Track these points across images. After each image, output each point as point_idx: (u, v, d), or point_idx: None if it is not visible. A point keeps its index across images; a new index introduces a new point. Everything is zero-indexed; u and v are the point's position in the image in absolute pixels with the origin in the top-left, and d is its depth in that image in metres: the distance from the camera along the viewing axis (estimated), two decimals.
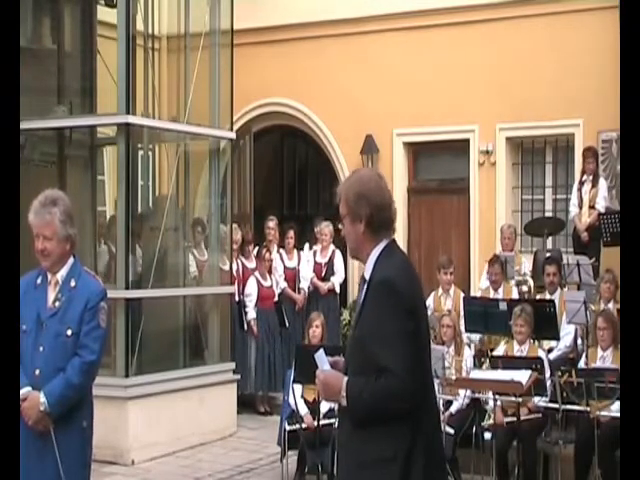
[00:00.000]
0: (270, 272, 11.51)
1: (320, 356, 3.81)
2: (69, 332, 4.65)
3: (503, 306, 8.98)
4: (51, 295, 4.72)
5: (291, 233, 11.95)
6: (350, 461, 3.77)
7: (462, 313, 9.48)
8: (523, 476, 7.52)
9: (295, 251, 11.98)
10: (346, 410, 3.71)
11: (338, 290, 12.08)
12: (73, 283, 4.72)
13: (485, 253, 11.23)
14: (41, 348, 4.63)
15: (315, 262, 12.00)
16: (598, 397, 7.23)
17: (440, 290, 10.24)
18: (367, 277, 3.78)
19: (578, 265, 9.89)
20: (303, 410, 8.18)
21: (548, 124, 11.69)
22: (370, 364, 3.61)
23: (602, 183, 10.98)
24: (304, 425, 8.01)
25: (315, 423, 7.88)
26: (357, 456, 3.71)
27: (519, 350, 8.26)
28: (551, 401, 7.74)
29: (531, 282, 10.61)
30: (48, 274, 4.75)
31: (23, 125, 6.67)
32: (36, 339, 4.64)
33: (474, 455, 7.92)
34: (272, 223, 12.00)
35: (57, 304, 4.69)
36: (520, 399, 7.42)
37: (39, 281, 4.74)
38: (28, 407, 4.56)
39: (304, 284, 11.86)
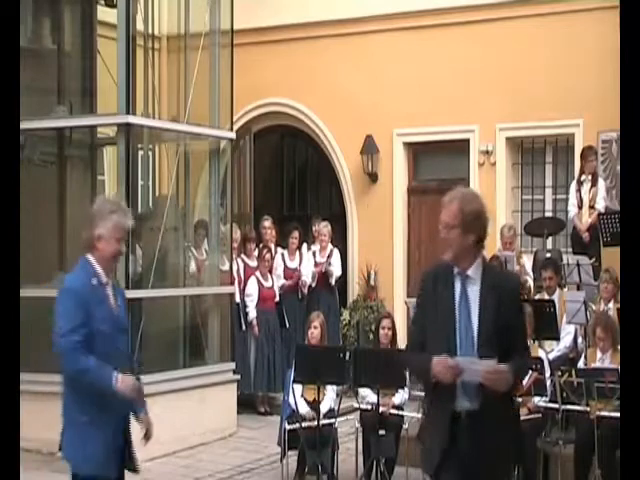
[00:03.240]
0: (271, 272, 11.51)
1: (469, 360, 4.31)
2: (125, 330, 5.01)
3: None
4: (111, 296, 4.85)
5: (296, 234, 11.95)
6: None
7: None
8: (523, 476, 7.52)
9: (297, 252, 11.98)
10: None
11: (333, 282, 12.07)
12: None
13: (485, 253, 11.20)
14: (119, 348, 4.84)
15: (315, 262, 12.00)
16: (598, 397, 7.23)
17: None
18: (476, 277, 4.46)
19: (578, 265, 9.89)
20: (303, 408, 8.17)
21: (548, 124, 11.69)
22: (509, 349, 4.35)
23: (601, 183, 10.98)
24: (304, 424, 8.01)
25: (315, 422, 7.88)
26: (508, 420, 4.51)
27: None
28: (551, 401, 7.74)
29: (531, 282, 10.60)
30: (103, 276, 4.82)
31: (23, 125, 6.65)
32: (114, 339, 4.79)
33: None
34: (267, 222, 11.98)
35: (117, 305, 4.88)
36: (520, 399, 7.42)
37: (95, 282, 4.79)
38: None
39: (306, 279, 11.84)
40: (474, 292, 4.43)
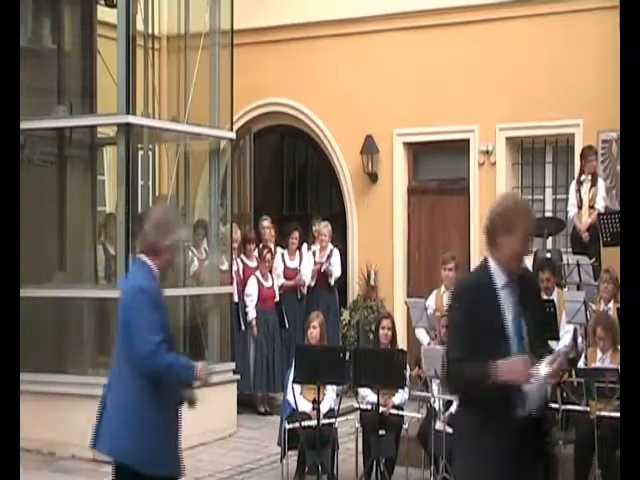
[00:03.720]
0: (271, 272, 11.50)
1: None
2: None
3: None
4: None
5: (296, 234, 11.95)
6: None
7: None
8: None
9: (297, 252, 11.98)
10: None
11: (333, 282, 12.07)
12: None
13: (485, 253, 11.20)
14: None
15: (315, 262, 12.01)
16: (598, 397, 7.23)
17: (442, 288, 10.18)
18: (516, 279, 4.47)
19: (578, 265, 9.89)
20: (303, 406, 8.17)
21: (548, 124, 11.68)
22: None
23: (601, 183, 10.98)
24: (304, 424, 8.01)
25: (315, 422, 7.88)
26: None
27: None
28: (551, 401, 7.74)
29: None
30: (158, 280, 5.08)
31: (23, 125, 6.66)
32: (171, 339, 5.16)
33: None
34: (266, 222, 11.99)
35: None
36: None
37: (156, 285, 5.09)
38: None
39: (306, 279, 11.84)
40: (516, 295, 4.41)
